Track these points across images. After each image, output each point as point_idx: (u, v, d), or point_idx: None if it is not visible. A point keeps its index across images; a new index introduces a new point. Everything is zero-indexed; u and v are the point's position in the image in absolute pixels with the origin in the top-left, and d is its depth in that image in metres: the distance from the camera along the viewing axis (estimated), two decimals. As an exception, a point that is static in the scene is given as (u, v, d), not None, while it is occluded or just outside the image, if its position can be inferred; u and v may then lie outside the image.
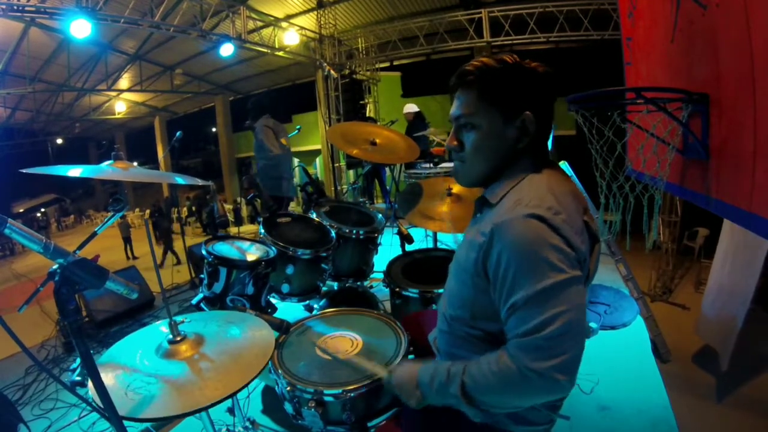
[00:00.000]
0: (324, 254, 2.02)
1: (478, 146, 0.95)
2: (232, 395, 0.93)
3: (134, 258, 10.33)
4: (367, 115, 9.30)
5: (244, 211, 11.25)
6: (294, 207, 4.76)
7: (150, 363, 1.03)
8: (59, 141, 17.16)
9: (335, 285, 2.38)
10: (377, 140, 2.46)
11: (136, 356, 1.06)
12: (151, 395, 0.92)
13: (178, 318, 1.14)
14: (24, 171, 1.17)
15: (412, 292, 1.88)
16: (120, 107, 13.92)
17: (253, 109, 3.94)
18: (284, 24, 8.04)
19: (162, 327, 1.15)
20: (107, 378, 0.94)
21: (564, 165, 3.46)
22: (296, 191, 4.23)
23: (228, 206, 11.65)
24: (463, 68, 0.94)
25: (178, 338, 1.08)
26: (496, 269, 0.84)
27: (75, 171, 1.19)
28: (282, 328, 1.33)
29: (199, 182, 1.73)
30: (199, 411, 0.89)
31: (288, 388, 1.20)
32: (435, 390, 0.90)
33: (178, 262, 7.02)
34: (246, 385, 0.96)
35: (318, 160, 12.58)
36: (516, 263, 0.81)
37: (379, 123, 8.02)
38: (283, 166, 3.95)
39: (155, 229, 10.11)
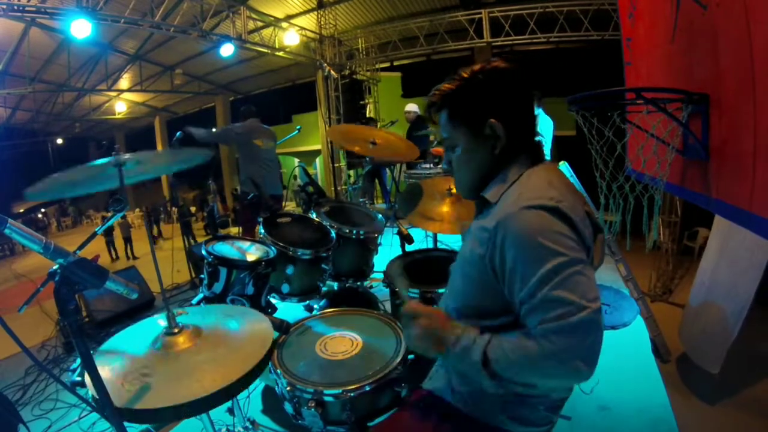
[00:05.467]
0: (324, 254, 2.02)
1: (461, 163, 1.02)
2: (230, 388, 0.92)
3: (134, 258, 10.34)
4: (368, 115, 9.29)
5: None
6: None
7: (147, 355, 1.03)
8: (59, 141, 17.14)
9: (335, 285, 2.37)
10: (377, 140, 2.46)
11: (134, 348, 1.06)
12: (148, 386, 0.92)
13: (176, 310, 1.14)
14: (29, 191, 1.17)
15: (413, 292, 1.87)
16: (120, 107, 13.91)
17: (241, 115, 4.19)
18: (284, 24, 8.04)
19: (160, 320, 1.15)
20: (104, 370, 0.94)
21: (564, 165, 3.46)
22: (280, 189, 4.43)
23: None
24: (429, 99, 1.02)
25: (176, 330, 1.07)
26: (505, 264, 0.85)
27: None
28: (282, 328, 1.33)
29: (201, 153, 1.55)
30: (197, 405, 0.89)
31: (288, 388, 1.20)
32: (458, 351, 0.89)
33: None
34: (246, 384, 0.96)
35: (318, 160, 12.58)
36: (524, 255, 0.81)
37: (379, 124, 8.02)
38: (265, 167, 4.04)
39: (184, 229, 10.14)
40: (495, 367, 0.85)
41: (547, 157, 1.07)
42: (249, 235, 3.71)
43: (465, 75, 0.96)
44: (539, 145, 1.01)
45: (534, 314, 0.80)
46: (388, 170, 5.63)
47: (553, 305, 0.77)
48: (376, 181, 6.91)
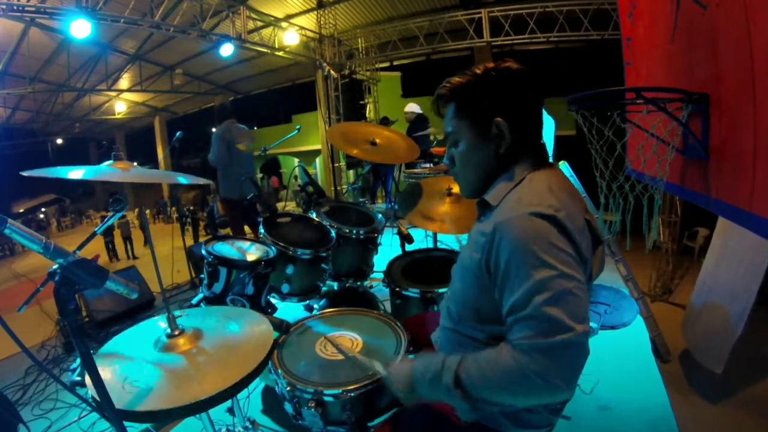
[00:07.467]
0: (324, 254, 2.02)
1: (463, 160, 1.01)
2: (231, 389, 0.92)
3: (134, 258, 10.33)
4: (367, 115, 9.30)
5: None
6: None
7: (148, 356, 1.03)
8: (59, 141, 17.14)
9: (335, 285, 2.38)
10: (377, 140, 2.46)
11: (134, 350, 1.06)
12: (148, 388, 0.91)
13: (177, 312, 1.14)
14: (24, 174, 1.16)
15: (413, 292, 1.88)
16: (120, 107, 13.91)
17: (218, 113, 4.16)
18: (284, 24, 8.04)
19: (160, 322, 1.15)
20: (105, 372, 0.94)
21: (564, 165, 3.46)
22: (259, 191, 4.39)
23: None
24: (438, 90, 1.01)
25: (176, 332, 1.07)
26: (499, 267, 0.84)
27: (76, 173, 1.19)
28: (282, 328, 1.33)
29: (201, 181, 1.68)
30: (197, 406, 0.89)
31: (288, 388, 1.20)
32: (428, 381, 0.88)
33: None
34: (246, 384, 0.96)
35: (318, 160, 12.59)
36: (516, 261, 0.81)
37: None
38: (238, 169, 4.00)
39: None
40: (468, 387, 0.83)
41: (551, 158, 1.06)
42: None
43: (478, 71, 0.96)
44: (544, 147, 1.00)
45: (519, 327, 0.79)
46: (392, 169, 5.64)
47: (539, 322, 0.76)
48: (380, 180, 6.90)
